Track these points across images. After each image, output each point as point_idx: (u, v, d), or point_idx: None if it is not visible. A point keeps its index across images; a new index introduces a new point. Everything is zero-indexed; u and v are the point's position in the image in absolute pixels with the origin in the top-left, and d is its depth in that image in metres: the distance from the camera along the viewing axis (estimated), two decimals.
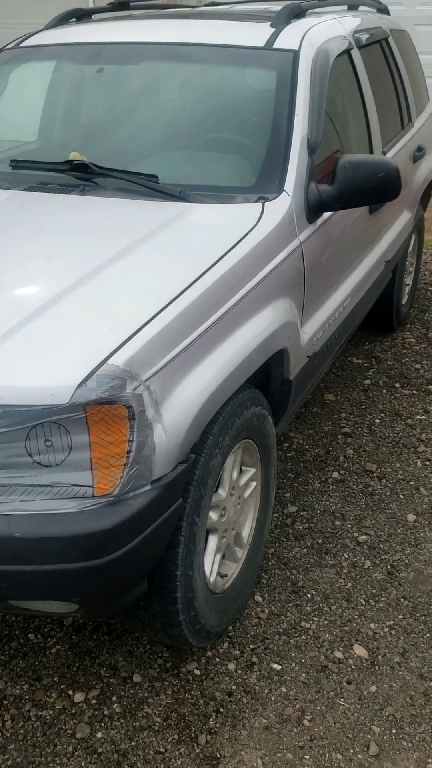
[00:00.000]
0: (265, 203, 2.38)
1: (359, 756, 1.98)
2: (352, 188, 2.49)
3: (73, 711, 2.12)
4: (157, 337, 1.77)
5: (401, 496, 3.03)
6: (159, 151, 2.69)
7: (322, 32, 2.96)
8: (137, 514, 1.69)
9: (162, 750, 2.00)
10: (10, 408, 1.61)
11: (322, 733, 2.04)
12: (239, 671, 2.23)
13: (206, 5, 4.12)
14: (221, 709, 2.11)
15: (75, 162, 2.52)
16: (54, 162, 2.59)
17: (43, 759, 1.99)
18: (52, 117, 3.13)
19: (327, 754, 1.98)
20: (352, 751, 1.99)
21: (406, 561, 2.67)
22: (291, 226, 2.41)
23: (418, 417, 3.57)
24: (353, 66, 3.17)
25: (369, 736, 2.03)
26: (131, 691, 2.17)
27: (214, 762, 1.97)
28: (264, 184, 2.47)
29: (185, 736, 2.04)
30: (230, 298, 2.03)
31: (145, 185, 2.40)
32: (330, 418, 3.53)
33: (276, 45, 2.77)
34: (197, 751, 2.00)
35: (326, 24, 3.07)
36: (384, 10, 4.16)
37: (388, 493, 3.03)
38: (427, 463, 3.24)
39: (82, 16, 3.46)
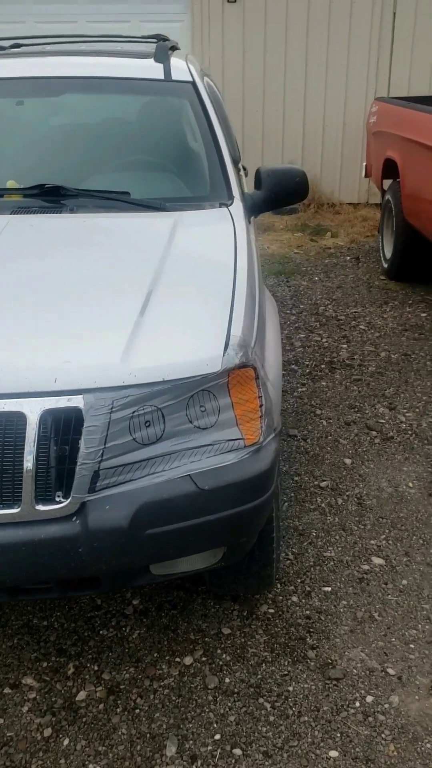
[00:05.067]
0: (228, 207, 2.78)
1: (427, 626, 2.47)
2: (277, 191, 3.00)
3: (192, 671, 2.30)
4: (245, 312, 2.10)
5: (328, 448, 3.59)
6: (103, 173, 2.94)
7: (194, 66, 3.44)
8: (275, 456, 2.00)
9: (285, 672, 2.29)
10: (175, 382, 1.83)
11: (393, 621, 2.49)
12: (303, 600, 2.58)
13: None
14: (310, 629, 2.45)
15: (47, 186, 2.68)
16: (25, 188, 2.71)
17: (191, 713, 2.17)
18: None
19: (404, 633, 2.44)
20: (420, 625, 2.47)
21: (365, 492, 3.23)
22: (246, 224, 2.84)
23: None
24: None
25: (424, 612, 2.53)
26: (228, 642, 2.41)
27: (331, 665, 2.31)
28: (217, 193, 2.87)
29: (296, 657, 2.35)
30: (255, 275, 2.41)
31: (128, 201, 2.66)
32: None
33: (174, 77, 3.19)
34: (312, 663, 2.33)
35: (188, 59, 3.55)
36: None
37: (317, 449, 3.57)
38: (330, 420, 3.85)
39: None
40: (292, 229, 7.95)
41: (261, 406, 1.98)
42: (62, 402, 1.76)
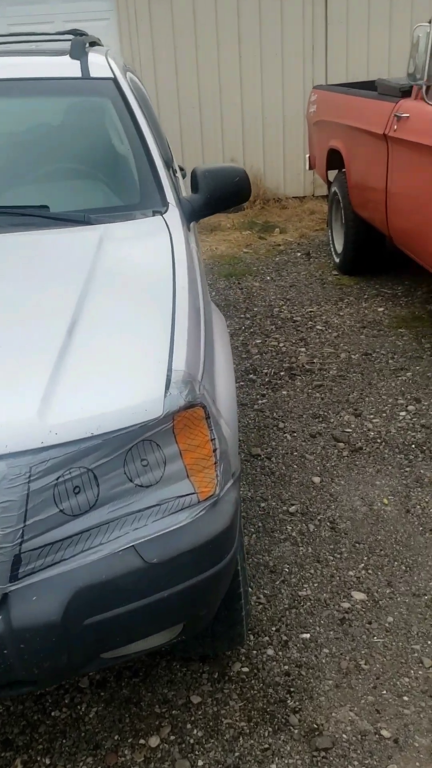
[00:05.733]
0: (163, 215, 2.47)
1: (420, 672, 2.20)
2: (216, 194, 2.69)
3: (159, 755, 2.00)
4: (188, 338, 1.79)
5: (295, 466, 3.31)
6: (20, 187, 2.60)
7: (116, 62, 3.11)
8: (236, 508, 1.71)
9: (266, 746, 2.00)
10: (108, 435, 1.52)
11: (382, 669, 2.21)
12: (280, 653, 2.29)
13: None
14: (290, 689, 2.16)
15: None
16: None
17: None
18: None
19: (396, 683, 2.17)
20: (412, 671, 2.20)
21: (338, 514, 2.95)
22: (186, 233, 2.54)
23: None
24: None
25: (415, 655, 2.26)
26: (199, 713, 2.11)
27: (317, 732, 2.03)
28: (149, 199, 2.55)
29: (277, 724, 2.06)
30: (198, 291, 2.10)
31: (46, 215, 2.33)
32: None
33: (92, 74, 2.86)
34: (296, 731, 2.04)
35: (109, 54, 3.22)
36: None
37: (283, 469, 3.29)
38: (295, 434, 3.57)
39: None
40: (239, 228, 7.68)
41: (215, 450, 1.68)
42: None
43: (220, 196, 2.69)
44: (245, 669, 2.24)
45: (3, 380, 1.57)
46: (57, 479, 1.48)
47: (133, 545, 1.54)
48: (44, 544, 1.48)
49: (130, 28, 7.91)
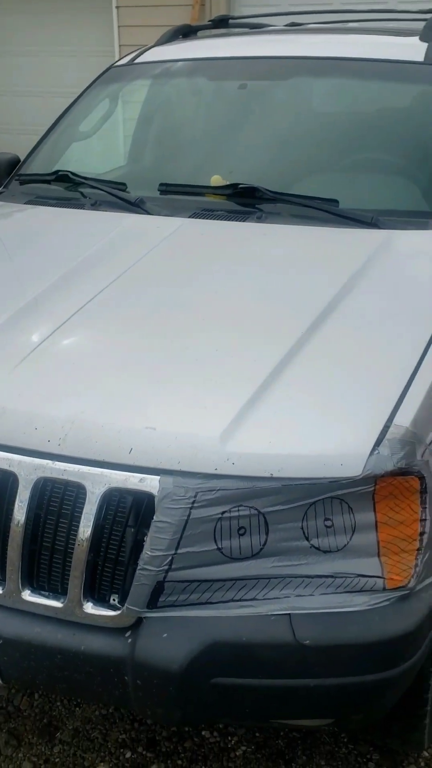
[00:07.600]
0: None
1: None
2: None
3: None
4: (429, 392, 1.47)
5: None
6: (317, 174, 2.42)
7: None
8: (429, 613, 1.38)
9: None
10: (288, 482, 1.30)
11: None
12: None
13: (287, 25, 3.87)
14: None
15: (241, 186, 2.24)
16: (214, 187, 2.30)
17: None
18: (174, 136, 2.86)
19: None
20: None
21: None
22: None
23: None
24: None
25: None
26: None
27: None
28: None
29: None
30: None
31: (331, 211, 2.12)
32: None
33: None
34: None
35: None
36: None
37: None
38: None
39: (188, 33, 3.23)
40: None
41: (422, 534, 1.37)
42: (132, 481, 1.33)
43: None
44: None
45: (199, 392, 1.43)
46: (222, 513, 1.31)
47: (288, 613, 1.31)
48: (192, 579, 1.33)
49: None
